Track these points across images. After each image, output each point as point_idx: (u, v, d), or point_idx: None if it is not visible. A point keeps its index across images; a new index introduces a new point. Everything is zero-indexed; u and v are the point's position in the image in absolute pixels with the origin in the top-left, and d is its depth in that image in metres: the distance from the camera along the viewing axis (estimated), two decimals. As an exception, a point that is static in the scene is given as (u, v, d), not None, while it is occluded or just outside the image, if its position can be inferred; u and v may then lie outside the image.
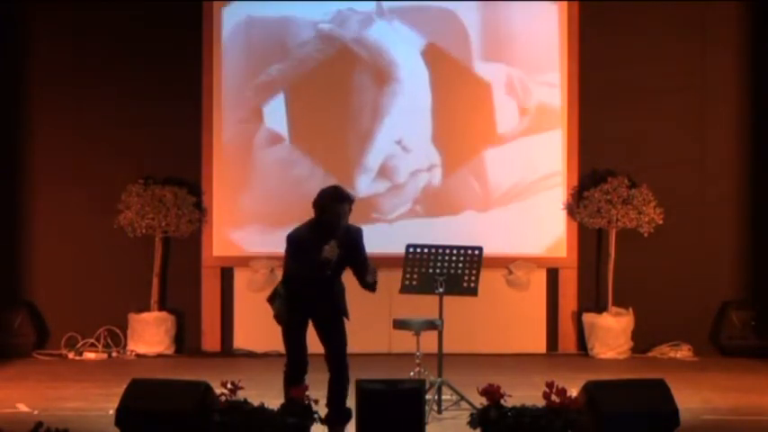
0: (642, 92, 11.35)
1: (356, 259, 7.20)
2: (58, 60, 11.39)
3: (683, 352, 11.14)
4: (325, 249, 6.92)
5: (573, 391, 6.96)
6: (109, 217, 11.12)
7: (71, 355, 11.08)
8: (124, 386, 6.88)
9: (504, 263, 11.15)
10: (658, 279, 11.24)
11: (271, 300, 7.26)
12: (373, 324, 10.51)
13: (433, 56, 11.37)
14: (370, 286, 7.23)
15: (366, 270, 7.18)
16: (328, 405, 7.24)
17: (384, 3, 11.35)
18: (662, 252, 11.21)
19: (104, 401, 8.24)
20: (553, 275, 11.37)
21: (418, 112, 11.38)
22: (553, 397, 6.86)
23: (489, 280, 9.80)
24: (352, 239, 7.15)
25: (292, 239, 7.07)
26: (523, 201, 11.30)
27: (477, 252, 8.32)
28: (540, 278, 11.34)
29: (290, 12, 11.35)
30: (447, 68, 11.36)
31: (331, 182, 11.25)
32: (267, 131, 11.43)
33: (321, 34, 11.39)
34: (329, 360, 7.25)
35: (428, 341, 8.21)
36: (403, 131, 11.40)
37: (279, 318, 7.21)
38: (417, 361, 8.10)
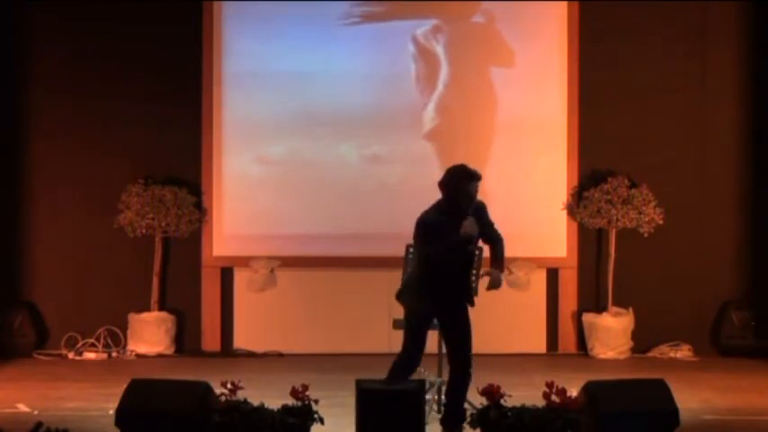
0: (642, 92, 11.34)
1: (486, 230, 7.05)
2: (58, 60, 11.39)
3: (683, 352, 11.14)
4: (465, 225, 6.79)
5: (573, 391, 6.97)
6: (109, 217, 11.12)
7: (71, 355, 11.08)
8: (124, 386, 6.88)
9: (504, 263, 11.13)
10: (658, 279, 11.24)
11: (399, 296, 7.11)
12: (373, 324, 10.53)
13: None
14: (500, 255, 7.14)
15: (496, 238, 7.10)
16: (447, 404, 7.10)
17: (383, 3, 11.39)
18: (662, 252, 11.20)
19: (104, 401, 8.23)
20: (553, 275, 11.36)
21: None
22: (553, 397, 6.88)
23: (489, 280, 9.76)
24: (481, 212, 6.99)
25: (427, 223, 6.85)
26: (523, 201, 11.29)
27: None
28: (540, 278, 11.34)
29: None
30: (446, 67, 11.36)
31: (331, 180, 11.32)
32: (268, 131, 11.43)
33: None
34: (452, 354, 7.07)
35: (428, 341, 8.17)
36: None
37: (409, 307, 7.01)
38: (417, 361, 8.09)
